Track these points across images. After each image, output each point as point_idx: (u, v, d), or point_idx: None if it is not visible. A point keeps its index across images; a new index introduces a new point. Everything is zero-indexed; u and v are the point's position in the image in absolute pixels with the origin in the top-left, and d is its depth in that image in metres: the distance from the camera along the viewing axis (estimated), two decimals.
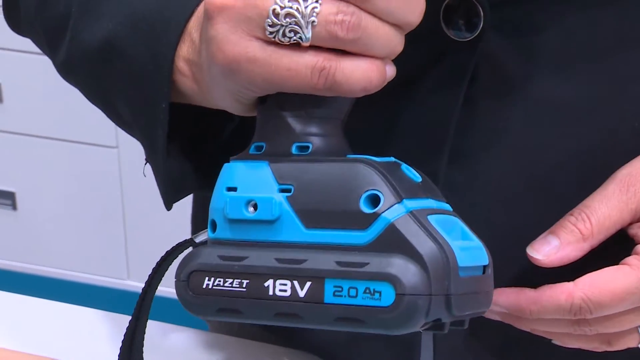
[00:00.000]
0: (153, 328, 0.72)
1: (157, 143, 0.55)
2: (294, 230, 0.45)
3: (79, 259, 2.25)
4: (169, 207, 0.59)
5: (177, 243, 0.54)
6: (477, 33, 0.55)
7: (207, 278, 0.46)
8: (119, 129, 0.62)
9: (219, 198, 0.48)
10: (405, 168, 0.46)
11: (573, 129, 0.58)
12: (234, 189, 0.47)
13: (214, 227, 0.48)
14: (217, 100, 0.52)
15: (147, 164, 0.58)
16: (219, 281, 0.46)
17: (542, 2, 0.57)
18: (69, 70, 0.61)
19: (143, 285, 0.53)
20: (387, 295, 0.42)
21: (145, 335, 0.54)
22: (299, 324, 0.45)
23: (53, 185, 2.26)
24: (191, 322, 0.79)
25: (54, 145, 2.21)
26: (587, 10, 0.57)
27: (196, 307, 0.47)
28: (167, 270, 0.55)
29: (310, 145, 0.47)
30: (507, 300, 0.54)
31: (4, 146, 2.25)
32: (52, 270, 2.33)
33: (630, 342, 0.55)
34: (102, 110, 0.62)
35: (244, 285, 0.45)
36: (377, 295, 0.42)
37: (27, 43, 0.71)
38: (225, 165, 0.49)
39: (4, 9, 0.68)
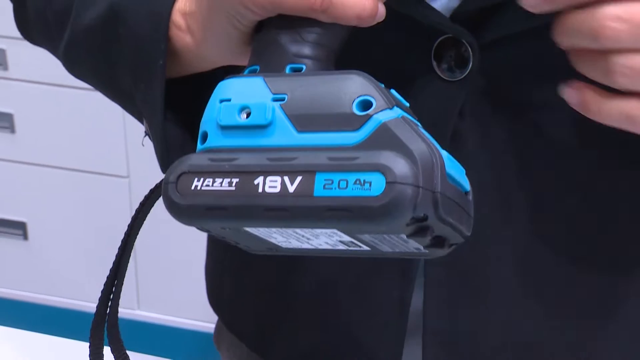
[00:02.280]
0: None
1: (155, 104, 0.56)
2: (286, 134, 0.45)
3: (90, 289, 2.25)
4: (165, 170, 0.59)
5: (155, 184, 0.54)
6: (466, 73, 0.56)
7: (196, 179, 0.45)
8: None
9: (212, 110, 0.48)
10: (395, 92, 0.47)
11: (564, 161, 0.59)
12: (227, 100, 0.47)
13: (204, 139, 0.48)
14: (210, 46, 0.54)
15: (146, 136, 0.60)
16: (209, 181, 0.45)
17: (530, 44, 0.57)
18: (72, 50, 0.62)
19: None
20: (377, 184, 0.42)
21: None
22: (287, 221, 0.44)
23: (64, 215, 2.26)
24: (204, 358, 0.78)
25: (65, 175, 2.22)
26: None
27: (183, 209, 0.45)
28: (150, 208, 0.56)
29: (304, 67, 0.48)
30: None
31: (15, 176, 2.26)
32: (63, 300, 2.32)
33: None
34: (105, 92, 0.63)
35: (234, 184, 0.44)
36: (367, 185, 0.42)
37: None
38: (220, 82, 0.49)
39: (14, 11, 0.70)
